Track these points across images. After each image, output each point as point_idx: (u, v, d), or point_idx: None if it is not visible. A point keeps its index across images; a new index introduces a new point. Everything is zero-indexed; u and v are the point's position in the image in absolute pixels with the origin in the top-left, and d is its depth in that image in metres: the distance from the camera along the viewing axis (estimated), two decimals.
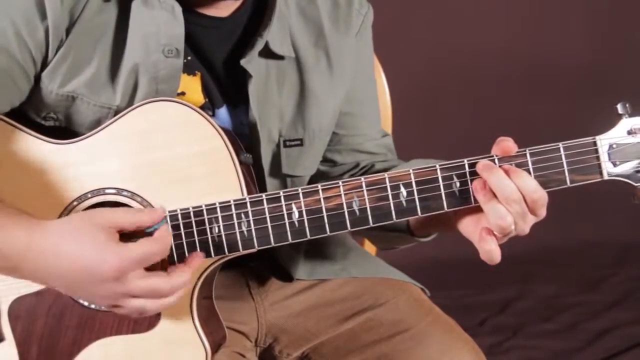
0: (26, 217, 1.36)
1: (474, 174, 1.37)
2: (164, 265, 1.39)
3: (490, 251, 1.35)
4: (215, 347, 1.47)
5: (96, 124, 1.47)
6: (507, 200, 1.33)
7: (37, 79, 1.46)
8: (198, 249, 1.41)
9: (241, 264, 1.63)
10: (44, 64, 1.45)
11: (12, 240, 1.33)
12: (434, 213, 1.40)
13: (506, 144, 1.36)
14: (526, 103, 4.08)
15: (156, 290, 1.33)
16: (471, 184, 1.37)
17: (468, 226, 1.41)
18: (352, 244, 1.79)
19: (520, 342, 3.20)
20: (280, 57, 1.56)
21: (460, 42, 4.03)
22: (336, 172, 1.72)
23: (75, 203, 1.43)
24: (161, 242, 1.34)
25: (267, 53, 1.54)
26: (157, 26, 1.46)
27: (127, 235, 1.36)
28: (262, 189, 1.54)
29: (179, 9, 1.46)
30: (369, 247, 2.03)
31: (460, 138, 3.59)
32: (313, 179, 1.69)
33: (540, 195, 1.34)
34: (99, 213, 1.35)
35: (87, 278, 1.32)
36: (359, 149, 1.71)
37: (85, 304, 1.43)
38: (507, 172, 1.34)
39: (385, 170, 1.46)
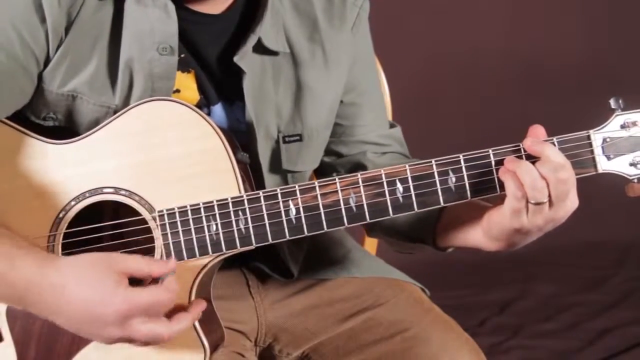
0: (38, 250, 1.37)
1: (470, 169, 1.38)
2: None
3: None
4: (214, 347, 1.47)
5: (95, 123, 1.47)
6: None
7: (39, 78, 1.47)
8: (196, 247, 1.41)
9: (242, 262, 1.64)
10: (46, 63, 1.46)
11: (22, 270, 1.33)
12: (430, 208, 1.40)
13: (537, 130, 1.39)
14: (525, 102, 4.07)
15: (156, 336, 1.34)
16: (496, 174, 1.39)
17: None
18: (352, 244, 1.78)
19: (520, 342, 3.19)
20: (275, 53, 1.56)
21: (460, 42, 4.03)
22: (342, 164, 1.71)
23: (73, 203, 1.44)
24: (169, 291, 1.35)
25: (261, 49, 1.54)
26: (151, 24, 1.46)
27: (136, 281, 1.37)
28: (260, 185, 1.54)
29: (172, 7, 1.46)
30: (369, 247, 2.03)
31: (460, 137, 3.58)
32: (322, 172, 1.70)
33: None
34: (111, 257, 1.36)
35: (91, 320, 1.33)
36: (364, 140, 1.70)
37: None
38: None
39: (390, 164, 1.47)
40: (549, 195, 1.36)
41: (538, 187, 1.35)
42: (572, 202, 1.38)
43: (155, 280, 1.37)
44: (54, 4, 1.42)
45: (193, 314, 1.39)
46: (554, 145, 1.39)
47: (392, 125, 1.76)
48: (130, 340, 1.35)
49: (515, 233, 1.40)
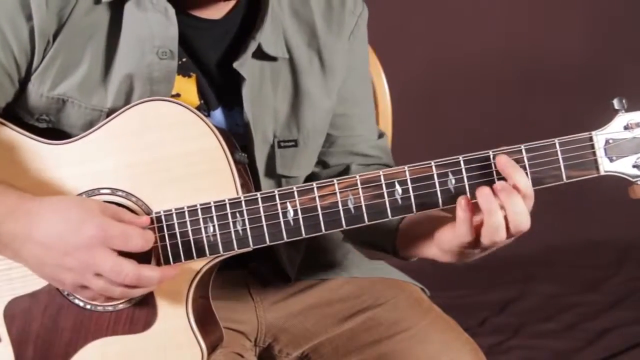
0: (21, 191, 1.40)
1: (470, 171, 1.37)
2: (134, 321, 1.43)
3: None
4: (212, 347, 1.47)
5: (88, 125, 1.47)
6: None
7: (24, 82, 1.46)
8: (193, 248, 1.41)
9: (241, 263, 1.63)
10: (29, 67, 1.45)
11: (3, 199, 1.37)
12: (429, 210, 1.40)
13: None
14: (526, 103, 4.08)
15: (121, 272, 1.34)
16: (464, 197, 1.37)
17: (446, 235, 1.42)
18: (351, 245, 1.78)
19: (520, 342, 3.19)
20: (274, 59, 1.56)
21: (461, 42, 4.03)
22: (328, 174, 1.70)
23: None
24: (144, 234, 1.37)
25: (261, 54, 1.54)
26: (151, 28, 1.46)
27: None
28: (257, 189, 1.53)
29: (172, 11, 1.46)
30: None
31: (460, 138, 3.58)
32: (306, 180, 1.69)
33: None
34: (86, 198, 1.41)
35: (61, 243, 1.34)
36: (352, 151, 1.70)
37: (81, 304, 1.43)
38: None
39: None
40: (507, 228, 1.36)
41: (498, 240, 1.35)
42: (525, 226, 1.37)
43: None
44: (41, 6, 1.41)
45: (163, 270, 1.39)
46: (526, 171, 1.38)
47: (380, 135, 1.76)
48: (95, 274, 1.34)
49: (462, 254, 1.41)
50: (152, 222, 1.41)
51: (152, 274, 1.36)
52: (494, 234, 1.34)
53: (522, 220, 1.34)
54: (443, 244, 1.42)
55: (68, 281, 1.37)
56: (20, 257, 1.39)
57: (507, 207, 1.34)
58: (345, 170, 1.69)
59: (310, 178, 1.69)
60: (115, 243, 1.34)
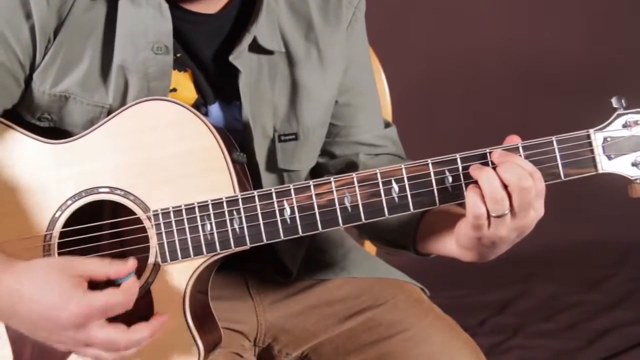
0: None
1: (467, 169, 1.37)
2: (132, 319, 1.39)
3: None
4: (210, 347, 1.46)
5: (90, 124, 1.47)
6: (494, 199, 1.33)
7: (28, 81, 1.46)
8: (190, 247, 1.41)
9: (241, 262, 1.63)
10: (32, 66, 1.45)
11: None
12: (426, 209, 1.40)
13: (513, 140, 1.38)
14: (525, 103, 4.08)
15: (113, 342, 1.34)
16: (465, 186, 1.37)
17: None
18: (352, 244, 1.78)
19: (520, 342, 3.19)
20: (270, 52, 1.56)
21: (460, 42, 4.03)
22: (335, 165, 1.70)
23: (69, 202, 1.43)
24: (126, 293, 1.35)
25: (257, 48, 1.54)
26: (145, 24, 1.46)
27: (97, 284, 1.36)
28: (258, 184, 1.54)
29: (165, 6, 1.46)
30: (369, 247, 2.02)
31: (460, 138, 3.57)
32: (314, 172, 1.70)
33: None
34: (69, 261, 1.37)
35: (47, 324, 1.33)
36: (357, 141, 1.70)
37: None
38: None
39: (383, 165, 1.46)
40: (511, 205, 1.33)
41: (497, 198, 1.32)
42: (536, 212, 1.35)
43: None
44: (41, 4, 1.42)
45: (153, 325, 1.38)
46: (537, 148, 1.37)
47: (387, 125, 1.75)
48: (87, 345, 1.34)
49: (479, 244, 1.39)
50: (149, 220, 1.41)
51: (142, 335, 1.36)
52: (493, 192, 1.32)
53: (514, 175, 1.32)
54: (460, 238, 1.40)
55: (61, 349, 1.37)
56: (13, 325, 1.39)
57: (499, 171, 1.33)
58: (353, 161, 1.68)
59: (317, 169, 1.70)
60: (101, 315, 1.33)
